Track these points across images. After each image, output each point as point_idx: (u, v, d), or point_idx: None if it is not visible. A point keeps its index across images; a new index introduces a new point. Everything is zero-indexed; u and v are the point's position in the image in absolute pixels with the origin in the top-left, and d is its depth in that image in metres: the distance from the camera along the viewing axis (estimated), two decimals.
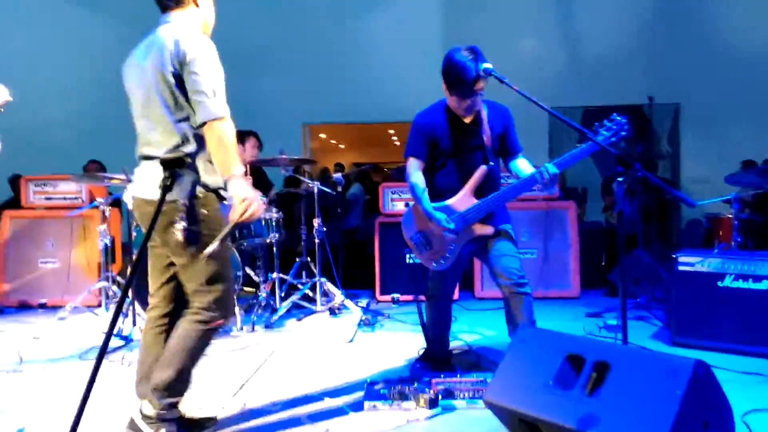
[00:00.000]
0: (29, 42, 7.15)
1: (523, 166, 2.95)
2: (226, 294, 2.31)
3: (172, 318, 2.37)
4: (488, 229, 2.89)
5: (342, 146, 15.97)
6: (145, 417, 2.24)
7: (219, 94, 2.14)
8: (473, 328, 4.06)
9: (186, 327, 2.26)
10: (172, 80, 2.14)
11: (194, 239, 2.19)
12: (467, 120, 2.90)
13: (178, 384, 2.25)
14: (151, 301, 2.41)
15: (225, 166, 2.14)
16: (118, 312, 2.02)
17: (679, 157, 7.52)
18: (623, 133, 2.70)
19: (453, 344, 3.48)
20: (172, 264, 2.33)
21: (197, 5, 2.31)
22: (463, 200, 2.87)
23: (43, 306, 4.91)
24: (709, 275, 3.43)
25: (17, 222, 5.11)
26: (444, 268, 2.93)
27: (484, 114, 2.91)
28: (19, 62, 6.90)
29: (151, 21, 2.32)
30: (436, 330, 3.18)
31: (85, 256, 5.03)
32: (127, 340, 3.73)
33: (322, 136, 13.71)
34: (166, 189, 2.04)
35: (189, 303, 2.29)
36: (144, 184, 2.28)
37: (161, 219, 2.09)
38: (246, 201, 2.12)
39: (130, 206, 3.95)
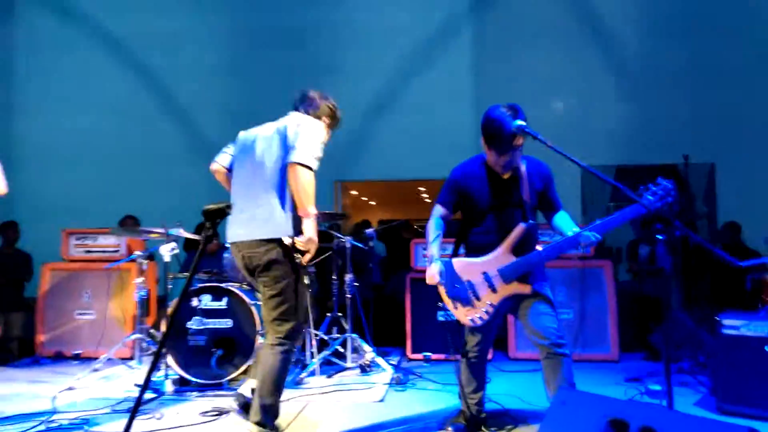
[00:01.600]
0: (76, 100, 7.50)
1: (564, 222, 2.93)
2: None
3: None
4: (526, 288, 2.84)
5: (373, 203, 16.12)
6: None
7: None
8: (508, 389, 3.94)
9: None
10: None
11: None
12: (505, 176, 2.91)
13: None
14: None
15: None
16: (155, 363, 2.03)
17: (716, 218, 7.37)
18: (670, 199, 2.60)
19: (488, 406, 3.38)
20: None
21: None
22: (500, 257, 2.84)
23: (77, 357, 4.96)
24: (756, 339, 3.29)
25: (57, 274, 5.23)
26: (480, 325, 2.88)
27: (523, 169, 2.92)
28: (62, 119, 7.28)
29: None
30: (471, 390, 3.10)
31: (120, 309, 5.10)
32: (160, 392, 3.72)
33: (354, 192, 13.89)
34: None
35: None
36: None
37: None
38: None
39: (166, 259, 4.05)
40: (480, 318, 2.86)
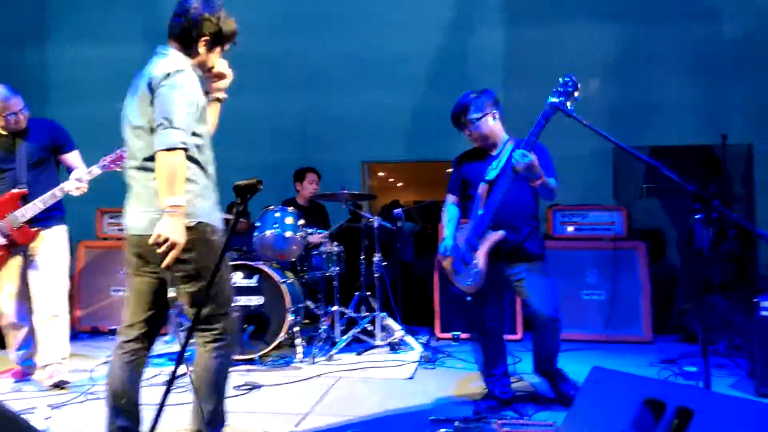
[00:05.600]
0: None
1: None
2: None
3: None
4: (496, 235, 2.91)
5: (400, 184, 16.09)
6: None
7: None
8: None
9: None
10: None
11: None
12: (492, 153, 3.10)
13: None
14: (132, 331, 2.42)
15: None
16: (187, 340, 2.07)
17: (753, 199, 7.17)
18: (571, 88, 2.77)
19: (518, 385, 3.38)
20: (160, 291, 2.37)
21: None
22: (476, 219, 3.01)
23: (113, 332, 5.04)
24: None
25: (91, 252, 5.34)
26: (472, 285, 2.95)
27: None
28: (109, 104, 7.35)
29: None
30: (487, 370, 3.12)
31: None
32: None
33: (381, 174, 13.87)
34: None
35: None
36: None
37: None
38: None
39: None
40: (472, 279, 2.93)
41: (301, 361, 4.03)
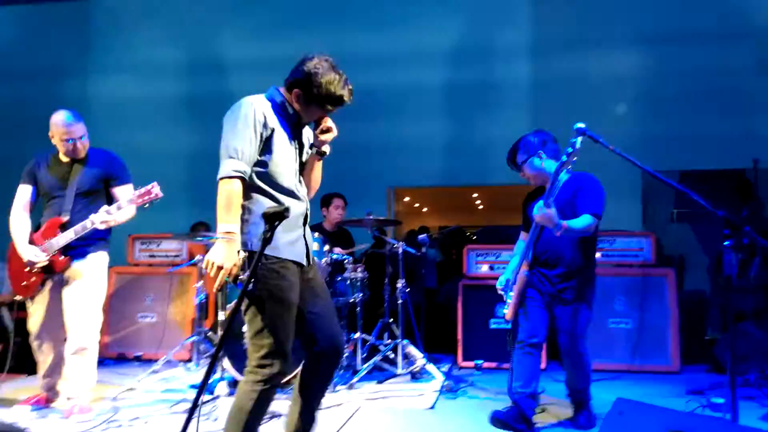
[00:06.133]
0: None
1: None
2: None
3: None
4: (522, 276, 3.22)
5: (425, 209, 16.09)
6: None
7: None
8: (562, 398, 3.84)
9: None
10: None
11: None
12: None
13: None
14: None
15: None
16: (211, 368, 2.08)
17: None
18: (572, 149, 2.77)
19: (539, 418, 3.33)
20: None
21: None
22: None
23: (138, 359, 5.14)
24: None
25: (122, 278, 5.45)
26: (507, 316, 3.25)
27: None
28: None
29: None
30: (517, 383, 3.17)
31: (180, 312, 5.27)
32: (215, 395, 3.82)
33: (407, 199, 13.90)
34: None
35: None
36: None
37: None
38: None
39: None
40: (506, 311, 3.25)
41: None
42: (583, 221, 3.00)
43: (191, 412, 1.97)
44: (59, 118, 3.44)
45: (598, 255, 4.87)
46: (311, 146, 2.55)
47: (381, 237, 5.18)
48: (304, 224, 2.49)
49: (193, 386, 4.13)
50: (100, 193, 3.55)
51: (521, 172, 3.33)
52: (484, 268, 5.00)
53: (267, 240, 2.09)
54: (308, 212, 2.53)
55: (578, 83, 7.01)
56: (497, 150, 3.53)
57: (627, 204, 6.87)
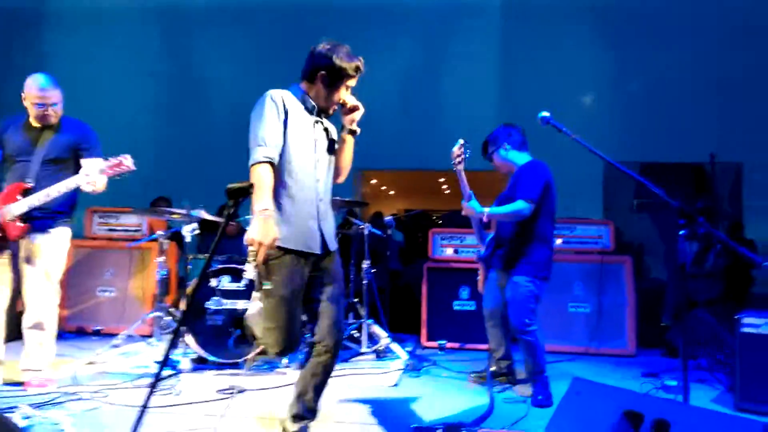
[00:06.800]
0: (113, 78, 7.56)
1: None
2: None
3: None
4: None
5: (392, 192, 16.13)
6: None
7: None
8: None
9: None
10: None
11: None
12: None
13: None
14: None
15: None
16: (173, 341, 2.07)
17: (742, 218, 7.25)
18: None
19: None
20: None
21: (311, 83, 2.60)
22: None
23: (97, 333, 5.04)
24: None
25: (80, 251, 5.30)
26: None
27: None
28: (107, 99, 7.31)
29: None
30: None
31: (141, 287, 5.18)
32: (178, 370, 3.79)
33: (373, 181, 13.90)
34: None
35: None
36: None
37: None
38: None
39: (187, 239, 4.10)
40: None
41: (285, 366, 4.03)
42: (510, 207, 3.39)
43: (152, 385, 1.95)
44: (35, 81, 3.32)
45: (558, 241, 5.02)
46: (341, 128, 2.70)
47: (349, 219, 5.18)
48: (319, 214, 2.57)
49: (157, 361, 4.08)
50: (68, 163, 3.42)
51: (491, 163, 3.68)
52: (449, 252, 5.05)
53: (230, 216, 2.07)
54: (326, 202, 2.63)
55: (544, 74, 7.10)
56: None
57: (588, 193, 7.03)
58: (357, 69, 2.59)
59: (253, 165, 2.44)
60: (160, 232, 4.62)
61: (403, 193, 16.13)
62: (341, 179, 2.75)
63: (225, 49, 7.49)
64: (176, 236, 4.95)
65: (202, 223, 4.26)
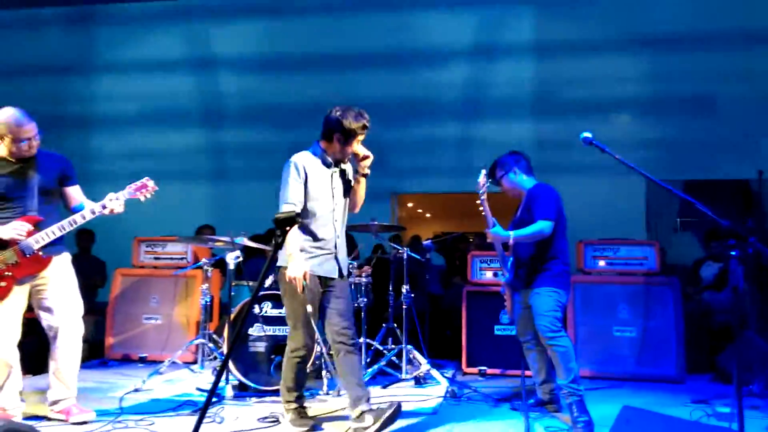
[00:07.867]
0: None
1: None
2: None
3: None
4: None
5: (428, 215, 16.11)
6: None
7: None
8: None
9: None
10: None
11: None
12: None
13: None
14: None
15: None
16: (222, 370, 2.10)
17: None
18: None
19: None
20: None
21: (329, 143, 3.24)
22: None
23: (143, 360, 5.15)
24: None
25: (127, 279, 5.46)
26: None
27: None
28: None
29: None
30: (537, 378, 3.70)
31: (185, 314, 5.27)
32: (220, 397, 3.83)
33: (410, 204, 13.92)
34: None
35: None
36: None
37: None
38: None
39: (231, 266, 4.18)
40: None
41: (326, 393, 4.03)
42: (533, 228, 3.45)
43: (201, 415, 1.98)
44: (13, 117, 3.19)
45: (602, 263, 4.93)
46: (355, 172, 3.34)
47: (391, 243, 5.20)
48: (336, 248, 3.28)
49: (200, 389, 4.14)
50: (57, 193, 3.42)
51: (500, 186, 3.78)
52: (489, 275, 5.01)
53: (278, 245, 2.12)
54: (342, 238, 3.33)
55: (584, 95, 7.04)
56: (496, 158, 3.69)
57: (630, 213, 6.89)
58: (364, 127, 3.20)
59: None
60: (204, 260, 4.73)
61: (441, 217, 16.08)
62: (356, 210, 3.44)
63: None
64: (220, 263, 5.06)
65: (246, 250, 4.35)
